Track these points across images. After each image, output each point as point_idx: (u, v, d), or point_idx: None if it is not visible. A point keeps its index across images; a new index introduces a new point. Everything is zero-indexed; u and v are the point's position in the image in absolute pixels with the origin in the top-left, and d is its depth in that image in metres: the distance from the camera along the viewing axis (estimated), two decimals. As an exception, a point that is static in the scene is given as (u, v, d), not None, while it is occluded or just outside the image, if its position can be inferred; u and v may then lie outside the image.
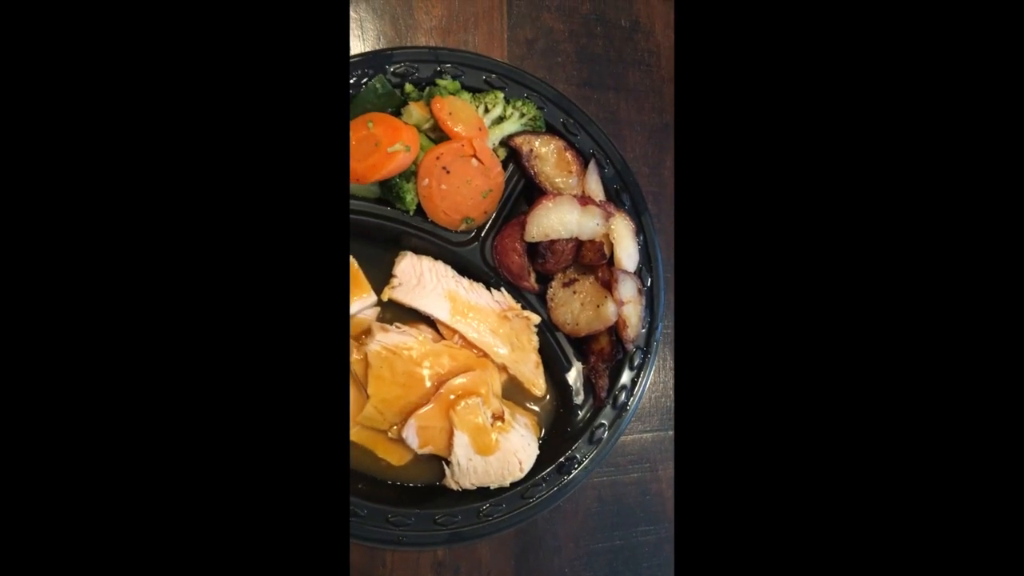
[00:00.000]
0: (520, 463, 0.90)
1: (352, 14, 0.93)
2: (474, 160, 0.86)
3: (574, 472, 0.94)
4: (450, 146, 0.85)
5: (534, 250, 0.93)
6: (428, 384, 0.87)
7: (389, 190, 0.86)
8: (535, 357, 0.96)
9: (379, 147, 0.81)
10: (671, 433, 1.08)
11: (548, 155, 0.94)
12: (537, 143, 0.93)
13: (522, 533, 0.97)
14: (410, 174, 0.85)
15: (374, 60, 0.85)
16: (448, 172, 0.85)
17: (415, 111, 0.86)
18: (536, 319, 0.94)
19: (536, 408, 0.98)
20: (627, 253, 0.94)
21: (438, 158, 0.84)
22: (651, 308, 0.98)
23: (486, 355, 0.92)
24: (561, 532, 0.99)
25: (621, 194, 0.98)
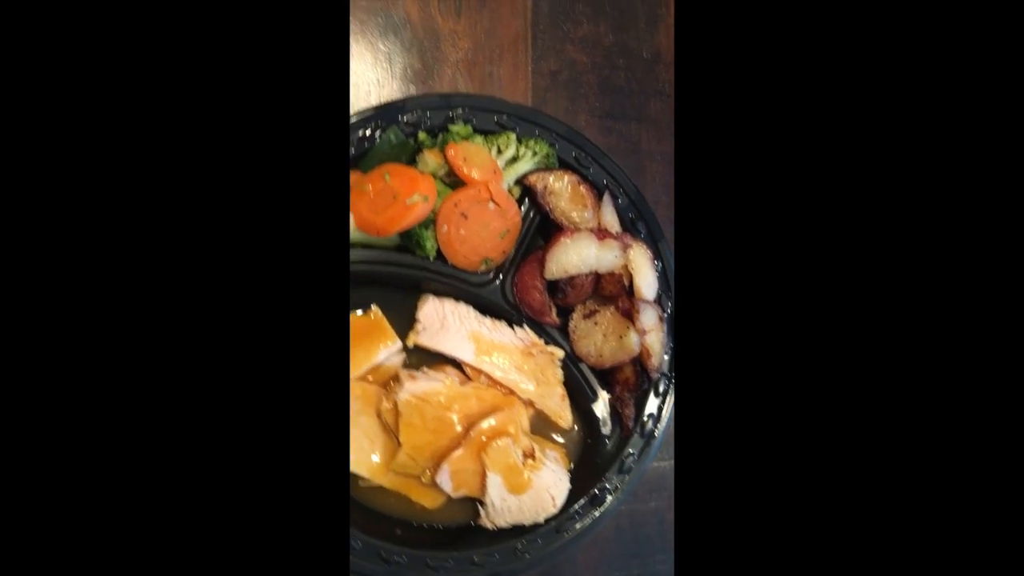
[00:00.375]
0: (553, 499, 0.90)
1: (381, 47, 0.94)
2: (491, 203, 0.87)
3: (607, 502, 0.94)
4: (467, 192, 0.85)
5: (554, 285, 0.94)
6: (458, 428, 0.88)
7: (409, 238, 0.87)
8: (560, 390, 0.96)
9: (397, 199, 0.82)
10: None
11: (562, 190, 0.94)
12: (551, 179, 0.94)
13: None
14: (429, 221, 0.86)
15: (386, 112, 0.86)
16: (466, 218, 0.86)
17: (430, 159, 0.86)
18: (560, 354, 0.95)
19: (563, 440, 0.99)
20: (646, 282, 0.94)
21: (456, 205, 0.85)
22: (673, 334, 0.98)
23: (512, 392, 0.93)
24: (580, 561, 1.00)
25: (636, 223, 0.98)
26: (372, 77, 0.94)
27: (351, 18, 0.93)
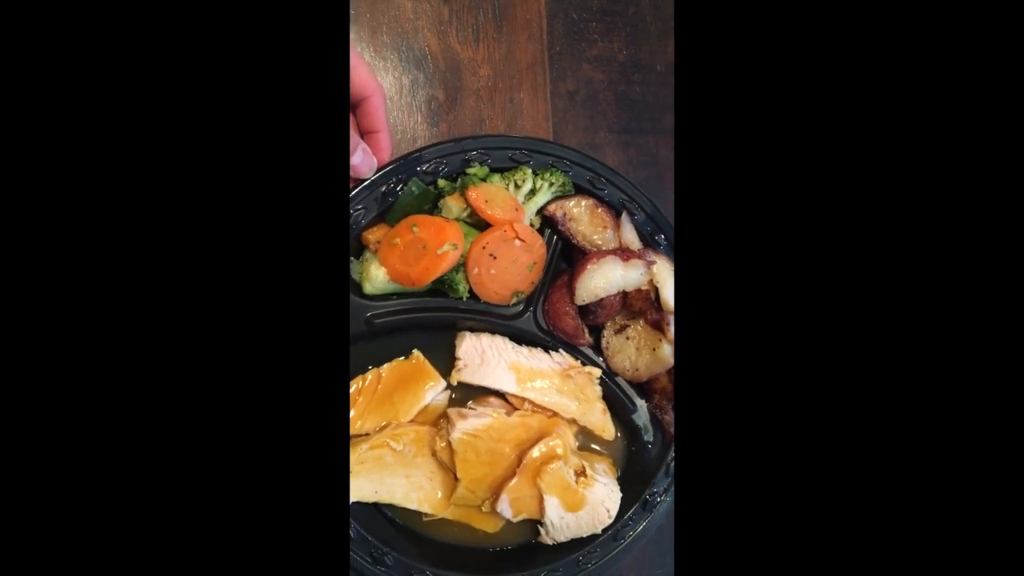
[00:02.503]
0: (608, 511, 0.95)
1: (404, 79, 0.97)
2: (517, 241, 0.89)
3: (658, 505, 0.99)
4: (494, 234, 0.88)
5: (584, 308, 0.97)
6: (511, 457, 0.92)
7: (441, 283, 0.90)
8: (601, 405, 1.00)
9: (428, 250, 0.85)
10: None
11: (581, 215, 0.97)
12: (570, 205, 0.96)
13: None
14: (459, 266, 0.89)
15: (405, 166, 0.88)
16: (495, 258, 0.88)
17: (453, 205, 0.89)
18: (597, 372, 0.98)
19: (608, 452, 1.03)
20: (672, 293, 0.97)
21: (484, 247, 0.88)
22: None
23: (556, 414, 0.97)
24: (622, 563, 1.03)
25: (655, 236, 1.00)
26: (396, 111, 0.96)
27: (375, 55, 0.95)
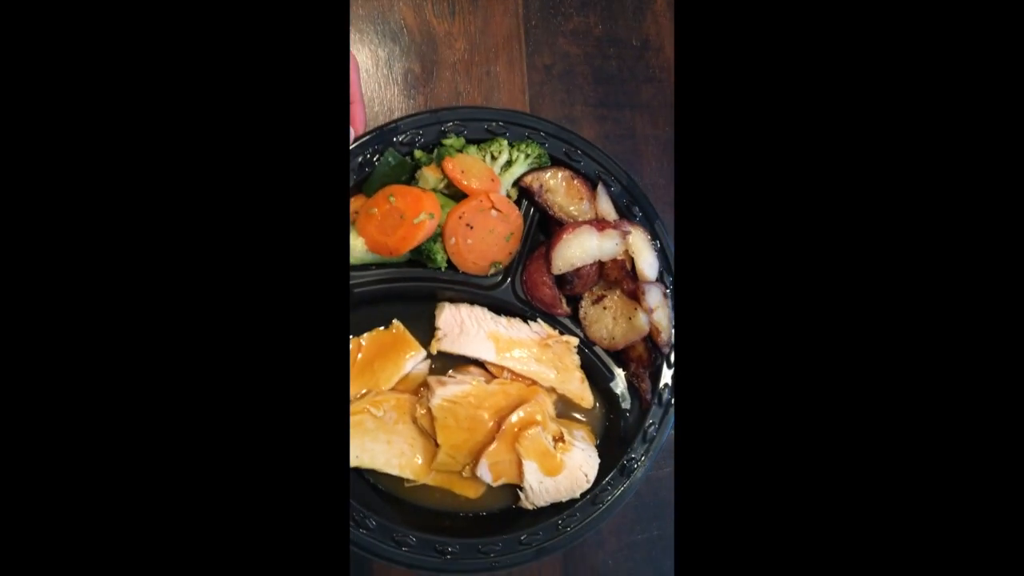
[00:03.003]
0: (586, 475, 0.97)
1: (380, 52, 0.98)
2: (493, 211, 0.91)
3: (636, 471, 1.01)
4: (470, 204, 0.89)
5: (561, 277, 0.99)
6: (490, 423, 0.94)
7: (419, 253, 0.91)
8: (579, 374, 1.02)
9: (404, 219, 0.86)
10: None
11: (557, 187, 0.98)
12: (546, 177, 0.98)
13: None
14: (436, 235, 0.90)
15: (381, 136, 0.89)
16: (472, 227, 0.90)
17: (429, 175, 0.90)
18: (575, 341, 1.00)
19: (587, 420, 1.06)
20: (648, 263, 0.99)
21: (461, 217, 0.89)
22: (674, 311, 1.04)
23: (535, 382, 0.99)
24: (603, 527, 1.04)
25: (631, 207, 1.02)
26: (373, 84, 0.97)
27: (351, 28, 0.96)
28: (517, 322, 0.99)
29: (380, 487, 0.95)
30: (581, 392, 1.02)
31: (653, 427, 1.03)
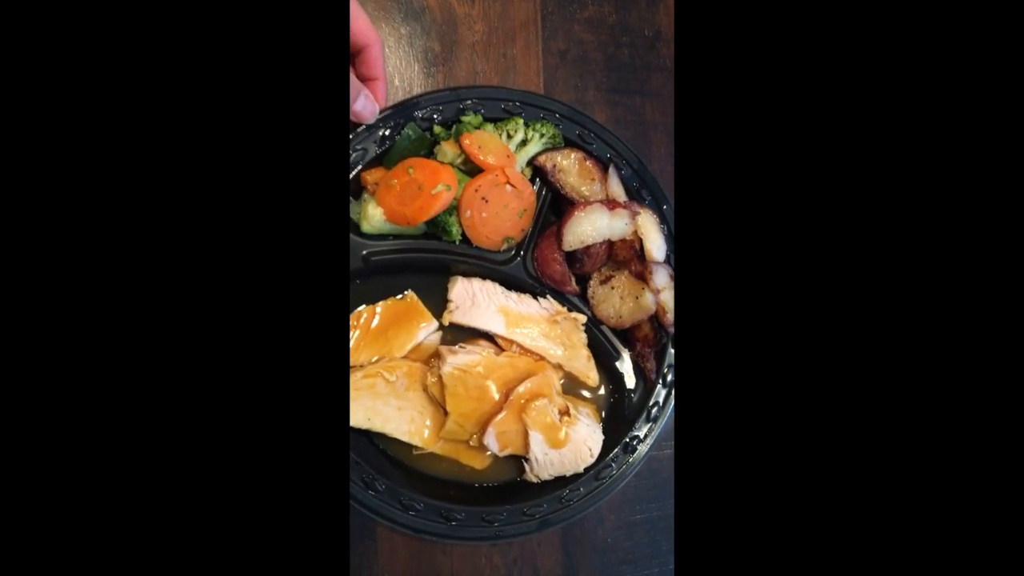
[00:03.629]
0: (590, 450, 0.99)
1: (401, 30, 1.01)
2: (508, 186, 0.94)
3: (639, 449, 1.03)
4: (486, 178, 0.92)
5: (571, 256, 1.01)
6: (498, 394, 0.96)
7: (435, 225, 0.94)
8: (586, 352, 1.04)
9: (423, 190, 0.89)
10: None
11: (570, 167, 1.01)
12: (559, 158, 1.01)
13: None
14: (452, 208, 0.93)
15: (402, 110, 0.93)
16: (487, 201, 0.93)
17: (448, 150, 0.93)
18: (582, 318, 1.02)
19: (592, 397, 1.08)
20: (656, 245, 1.02)
21: (476, 190, 0.92)
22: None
23: (543, 358, 1.01)
24: (603, 505, 1.05)
25: (641, 191, 1.05)
26: (394, 60, 1.01)
27: (374, 5, 0.99)
28: (527, 298, 1.02)
29: (389, 452, 0.97)
30: (587, 370, 1.04)
31: (657, 407, 1.05)
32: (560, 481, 1.00)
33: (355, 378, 0.91)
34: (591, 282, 1.05)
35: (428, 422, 0.96)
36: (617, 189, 1.03)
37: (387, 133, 0.93)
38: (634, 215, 1.00)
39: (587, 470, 1.00)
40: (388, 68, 0.99)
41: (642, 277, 1.01)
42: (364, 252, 0.93)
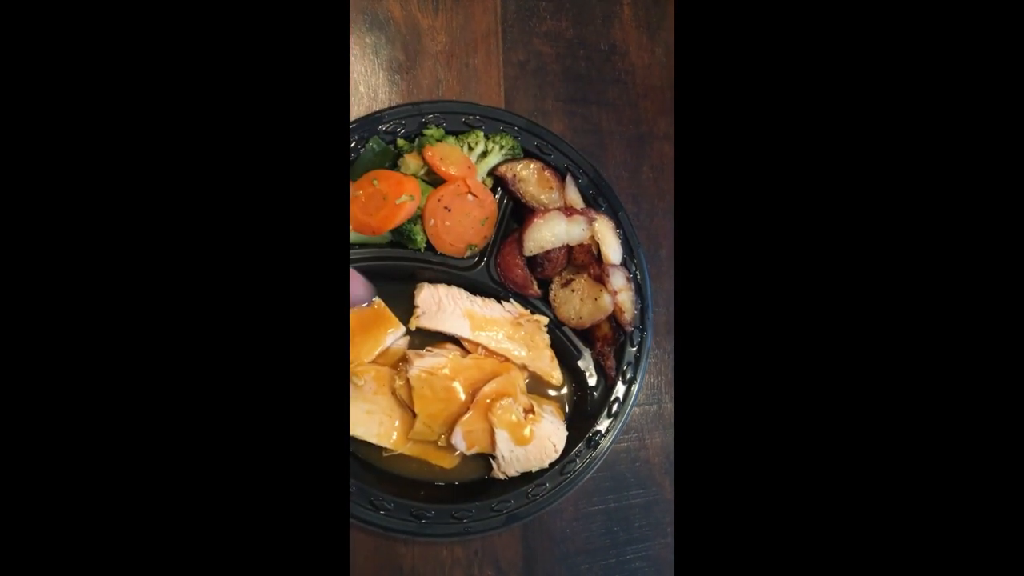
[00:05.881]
0: (554, 446, 1.04)
1: (367, 39, 1.05)
2: (469, 196, 0.98)
3: (601, 443, 1.08)
4: (448, 188, 0.96)
5: (532, 261, 1.06)
6: (464, 395, 1.00)
7: (400, 234, 0.98)
8: (549, 352, 1.09)
9: (387, 200, 0.93)
10: (655, 407, 1.20)
11: (529, 177, 1.06)
12: (519, 168, 1.06)
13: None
14: (416, 217, 0.97)
15: (366, 124, 0.96)
16: (450, 210, 0.97)
17: (411, 162, 0.97)
18: (544, 320, 1.07)
19: (556, 395, 1.12)
20: (612, 249, 1.08)
21: (439, 200, 0.96)
22: (640, 292, 1.12)
23: (507, 359, 1.05)
24: (567, 493, 1.07)
25: (597, 198, 1.11)
26: (360, 67, 1.05)
27: None
28: (491, 302, 1.06)
29: (359, 455, 1.00)
30: (550, 369, 1.09)
31: (618, 402, 1.10)
32: (526, 477, 1.04)
33: (325, 383, 0.94)
34: (552, 285, 1.09)
35: (397, 424, 0.99)
36: (575, 197, 1.08)
37: (351, 146, 0.96)
38: (591, 221, 1.06)
39: (552, 465, 1.05)
40: (353, 75, 1.03)
41: (600, 280, 1.07)
42: (331, 261, 0.96)
